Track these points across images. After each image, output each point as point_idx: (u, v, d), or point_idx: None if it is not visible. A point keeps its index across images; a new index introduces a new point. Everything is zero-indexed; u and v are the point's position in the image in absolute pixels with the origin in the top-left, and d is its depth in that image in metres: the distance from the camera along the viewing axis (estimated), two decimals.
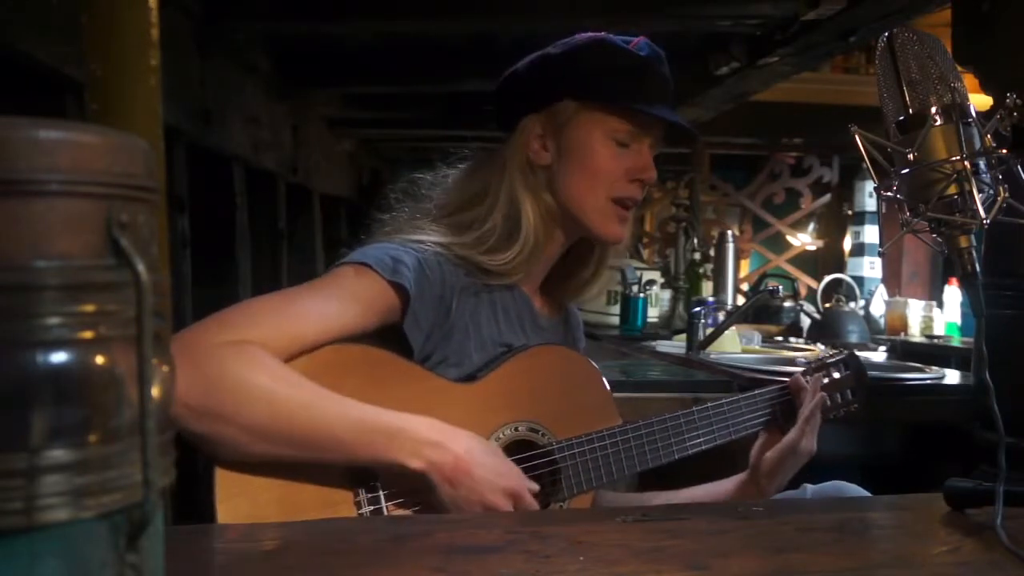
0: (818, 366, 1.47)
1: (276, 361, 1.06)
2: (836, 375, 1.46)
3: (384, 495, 1.12)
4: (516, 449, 1.22)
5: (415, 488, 1.12)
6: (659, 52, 1.30)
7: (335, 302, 1.14)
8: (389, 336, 1.18)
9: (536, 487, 1.16)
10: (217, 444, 1.02)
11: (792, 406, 1.39)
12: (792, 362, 2.47)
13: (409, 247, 1.22)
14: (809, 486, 1.48)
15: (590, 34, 1.30)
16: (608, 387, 1.35)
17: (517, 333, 1.30)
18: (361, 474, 1.11)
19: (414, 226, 1.27)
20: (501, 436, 1.21)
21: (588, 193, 1.28)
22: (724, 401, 1.36)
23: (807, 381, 1.38)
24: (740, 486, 1.40)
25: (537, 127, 1.28)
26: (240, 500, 1.05)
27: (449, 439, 1.09)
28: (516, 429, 1.22)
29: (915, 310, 3.99)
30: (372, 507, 1.11)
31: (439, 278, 1.21)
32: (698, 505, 1.30)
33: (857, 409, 1.47)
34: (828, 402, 1.43)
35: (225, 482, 1.05)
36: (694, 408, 1.32)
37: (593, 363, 1.37)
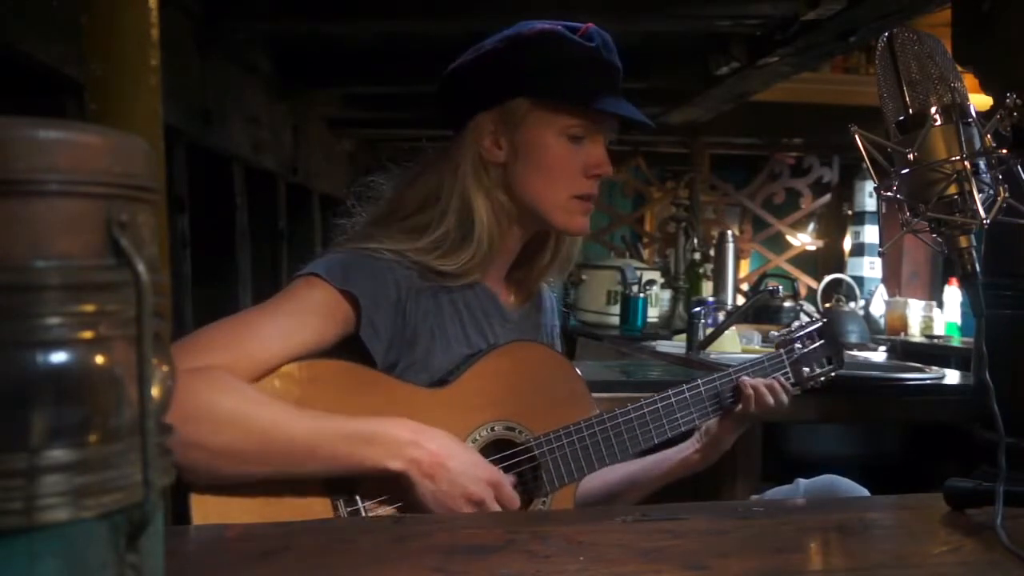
0: (791, 338, 1.46)
1: (242, 383, 1.06)
2: (811, 344, 1.46)
3: (363, 506, 1.12)
4: (494, 449, 1.21)
5: (395, 495, 1.11)
6: (607, 38, 1.26)
7: (292, 317, 1.14)
8: (353, 348, 1.18)
9: (512, 479, 1.17)
10: (193, 471, 1.02)
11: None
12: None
13: (360, 254, 1.21)
14: (802, 481, 1.48)
15: (538, 26, 1.25)
16: (581, 377, 1.34)
17: (484, 331, 1.29)
18: (339, 489, 1.12)
19: (367, 233, 1.26)
20: (478, 438, 1.20)
21: (547, 191, 1.26)
22: (700, 382, 1.35)
23: (751, 388, 1.35)
24: (688, 454, 1.40)
25: (489, 125, 1.25)
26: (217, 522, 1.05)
27: (423, 437, 1.10)
28: (492, 429, 1.22)
29: (915, 310, 3.99)
30: None
31: (392, 283, 1.20)
32: (698, 505, 1.30)
33: (835, 377, 1.47)
34: (805, 372, 1.44)
35: (200, 508, 1.05)
36: (670, 391, 1.32)
37: (561, 354, 1.36)
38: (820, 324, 1.49)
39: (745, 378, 1.37)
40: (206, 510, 1.05)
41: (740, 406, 1.35)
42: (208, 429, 1.01)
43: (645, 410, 1.29)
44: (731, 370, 1.38)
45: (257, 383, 1.09)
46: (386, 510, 1.13)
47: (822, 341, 1.47)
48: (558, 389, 1.30)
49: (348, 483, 1.12)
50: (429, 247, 1.23)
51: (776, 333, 1.53)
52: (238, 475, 1.05)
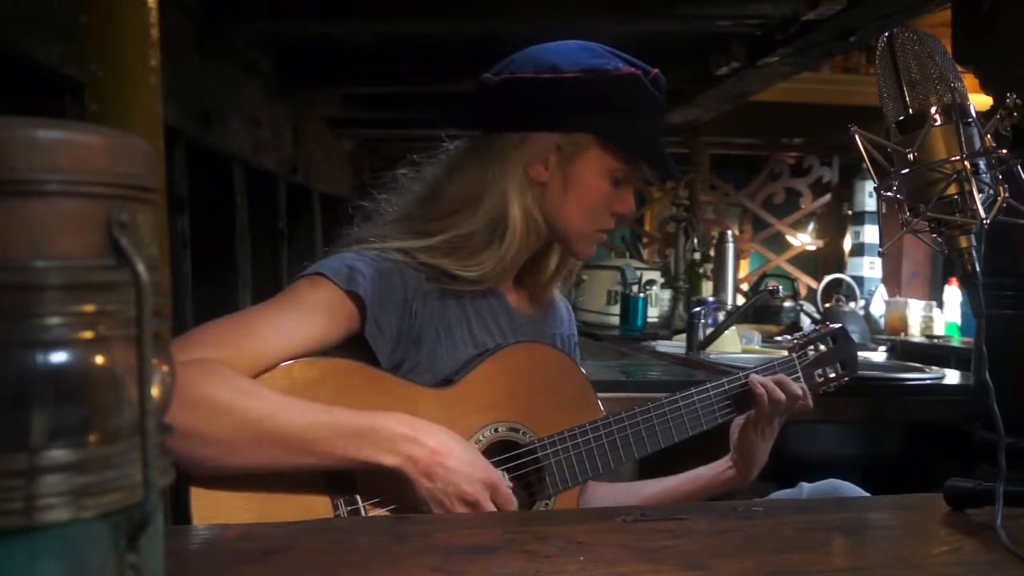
0: (804, 342, 1.45)
1: (239, 375, 1.06)
2: (824, 349, 1.45)
3: (363, 505, 1.12)
4: (498, 450, 1.21)
5: (393, 493, 1.11)
6: (666, 85, 1.30)
7: (294, 315, 1.14)
8: (358, 348, 1.18)
9: (509, 481, 1.17)
10: (190, 462, 1.02)
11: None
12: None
13: (367, 255, 1.21)
14: (806, 485, 1.48)
15: (622, 68, 1.25)
16: (588, 380, 1.34)
17: (492, 333, 1.29)
18: (339, 485, 1.11)
19: (376, 233, 1.26)
20: (481, 438, 1.20)
21: (579, 222, 1.29)
22: (708, 385, 1.35)
23: (761, 386, 1.35)
24: (723, 470, 1.41)
25: (547, 145, 1.26)
26: (216, 521, 1.05)
27: (422, 433, 1.09)
28: (496, 430, 1.22)
29: (915, 310, 3.99)
30: None
31: (399, 284, 1.20)
32: (698, 505, 1.30)
33: (848, 382, 1.46)
34: (817, 378, 1.43)
35: (200, 504, 1.05)
36: (678, 395, 1.32)
37: (569, 356, 1.36)
38: (834, 329, 1.48)
39: (755, 376, 1.36)
40: (204, 508, 1.05)
41: (754, 408, 1.35)
42: (203, 418, 1.01)
43: (652, 414, 1.29)
44: (741, 373, 1.38)
45: (257, 379, 1.09)
46: (384, 509, 1.13)
47: (835, 346, 1.46)
48: (564, 391, 1.30)
49: (348, 480, 1.11)
50: (447, 248, 1.24)
51: (789, 337, 1.52)
52: (233, 466, 1.04)
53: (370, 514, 1.12)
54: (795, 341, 1.47)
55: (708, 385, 1.35)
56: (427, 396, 1.18)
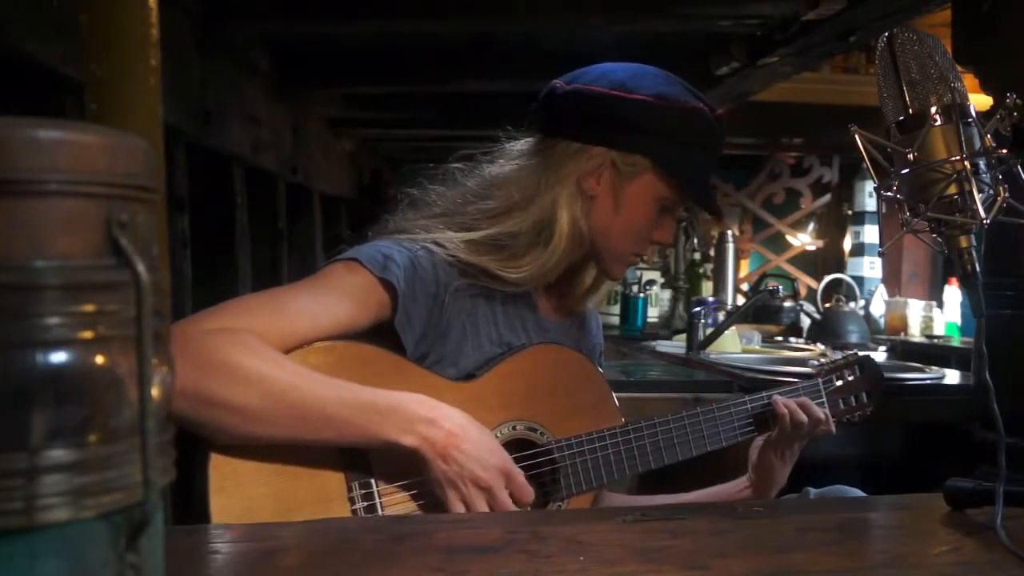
0: (831, 368, 1.45)
1: (266, 345, 1.07)
2: (850, 378, 1.44)
3: (377, 489, 1.12)
4: (514, 448, 1.21)
5: (408, 474, 1.12)
6: (726, 127, 1.32)
7: (325, 297, 1.15)
8: (384, 335, 1.18)
9: (522, 474, 1.17)
10: (208, 427, 1.03)
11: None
12: (795, 362, 2.46)
13: (404, 245, 1.22)
14: (811, 490, 1.48)
15: (686, 97, 1.27)
16: (609, 386, 1.34)
17: (518, 333, 1.30)
18: (354, 463, 1.12)
19: (421, 225, 1.27)
20: (499, 435, 1.20)
21: (619, 242, 1.30)
22: (730, 402, 1.35)
23: (784, 406, 1.35)
24: (740, 489, 1.41)
25: (603, 160, 1.26)
26: (233, 493, 1.05)
27: (441, 416, 1.09)
28: (514, 428, 1.22)
29: (915, 310, 4.00)
30: (366, 503, 1.12)
31: (432, 277, 1.21)
32: (698, 505, 1.30)
33: (872, 413, 1.45)
34: (842, 405, 1.42)
35: (218, 475, 1.05)
36: (698, 409, 1.32)
37: (592, 362, 1.36)
38: (862, 358, 1.47)
39: (778, 397, 1.36)
40: (222, 479, 1.05)
41: (775, 429, 1.35)
42: (227, 385, 1.02)
43: (672, 425, 1.29)
44: (764, 393, 1.38)
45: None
46: (399, 491, 1.13)
47: (862, 375, 1.45)
48: (585, 395, 1.30)
49: (364, 459, 1.12)
50: (491, 245, 1.25)
51: (817, 363, 1.51)
52: (254, 435, 1.05)
53: (383, 496, 1.12)
54: (823, 367, 1.46)
55: (730, 402, 1.35)
56: (448, 388, 1.18)
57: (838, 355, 1.51)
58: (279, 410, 1.04)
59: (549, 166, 1.27)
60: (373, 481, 1.12)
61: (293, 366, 1.08)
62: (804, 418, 1.34)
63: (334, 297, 1.15)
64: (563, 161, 1.27)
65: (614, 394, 1.35)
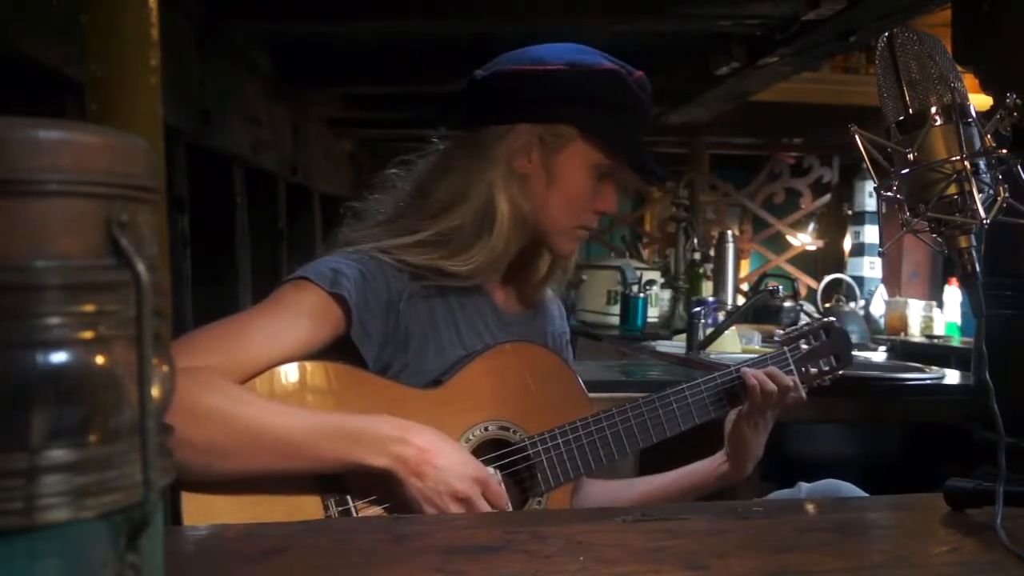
0: (797, 335, 1.45)
1: (227, 381, 1.07)
2: (816, 343, 1.45)
3: (354, 505, 1.12)
4: (489, 449, 1.21)
5: (384, 494, 1.11)
6: (650, 91, 1.31)
7: (280, 320, 1.15)
8: (347, 351, 1.18)
9: (499, 477, 1.17)
10: (182, 469, 1.02)
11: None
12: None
13: (351, 257, 1.21)
14: (804, 484, 1.48)
15: (604, 63, 1.27)
16: (578, 377, 1.34)
17: (480, 332, 1.29)
18: (329, 487, 1.12)
19: (366, 234, 1.27)
20: (471, 437, 1.20)
21: (560, 216, 1.29)
22: (700, 380, 1.35)
23: (753, 378, 1.35)
24: (718, 465, 1.42)
25: (529, 137, 1.26)
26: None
27: (411, 434, 1.09)
28: (486, 429, 1.22)
29: (915, 310, 3.99)
30: None
31: (383, 285, 1.20)
32: (698, 505, 1.30)
33: (841, 375, 1.46)
34: (810, 371, 1.43)
35: (191, 508, 1.05)
36: (669, 391, 1.32)
37: (559, 355, 1.36)
38: (827, 322, 1.48)
39: (747, 369, 1.36)
40: (196, 510, 1.05)
41: (746, 401, 1.35)
42: (193, 426, 1.01)
43: (643, 409, 1.29)
44: (732, 367, 1.38)
45: (247, 384, 1.09)
46: (376, 509, 1.13)
47: (828, 339, 1.46)
48: (554, 389, 1.30)
49: (338, 482, 1.12)
50: (437, 243, 1.24)
51: (782, 332, 1.52)
52: (223, 472, 1.05)
53: (361, 515, 1.12)
54: (787, 334, 1.47)
55: (699, 380, 1.35)
56: (416, 397, 1.18)
57: (802, 322, 1.52)
58: (246, 445, 1.04)
59: (479, 154, 1.27)
60: (349, 499, 1.13)
61: (255, 399, 1.08)
62: (773, 387, 1.35)
63: (289, 319, 1.15)
64: (492, 145, 1.27)
65: (614, 394, 1.36)
